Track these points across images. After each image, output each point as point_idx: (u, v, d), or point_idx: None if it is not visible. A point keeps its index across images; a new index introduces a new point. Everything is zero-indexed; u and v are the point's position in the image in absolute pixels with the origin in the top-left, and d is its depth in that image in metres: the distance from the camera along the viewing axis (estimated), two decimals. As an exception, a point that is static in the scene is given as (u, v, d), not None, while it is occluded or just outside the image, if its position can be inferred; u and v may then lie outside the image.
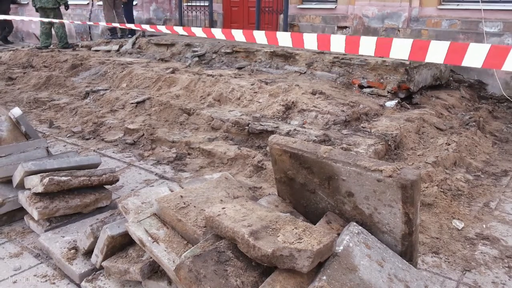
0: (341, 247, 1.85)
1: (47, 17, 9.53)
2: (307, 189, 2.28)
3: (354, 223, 2.05)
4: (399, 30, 7.55)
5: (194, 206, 2.17)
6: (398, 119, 4.68)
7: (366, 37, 3.06)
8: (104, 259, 2.29)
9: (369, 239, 1.99)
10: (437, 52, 2.69)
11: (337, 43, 3.19)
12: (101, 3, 11.97)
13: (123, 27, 9.30)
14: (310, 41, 3.36)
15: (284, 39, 3.54)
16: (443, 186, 3.49)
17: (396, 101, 5.26)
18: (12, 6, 14.03)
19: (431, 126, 4.77)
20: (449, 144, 4.22)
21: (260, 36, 3.75)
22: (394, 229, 2.04)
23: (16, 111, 3.67)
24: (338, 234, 2.02)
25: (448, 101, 5.74)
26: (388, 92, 5.40)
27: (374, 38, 3.02)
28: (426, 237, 2.89)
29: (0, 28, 14.25)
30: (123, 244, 2.32)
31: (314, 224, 2.09)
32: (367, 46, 3.01)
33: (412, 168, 1.97)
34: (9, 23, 14.34)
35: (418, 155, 4.07)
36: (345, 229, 2.00)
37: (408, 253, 2.08)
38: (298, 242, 1.72)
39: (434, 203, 3.25)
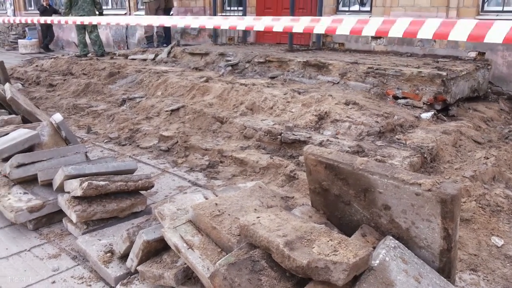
0: (377, 261, 1.82)
1: (84, 26, 9.90)
2: (342, 200, 2.26)
3: (391, 237, 2.01)
4: (435, 41, 7.41)
5: (229, 214, 2.19)
6: (434, 131, 4.57)
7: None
8: (139, 264, 2.33)
9: (405, 254, 1.95)
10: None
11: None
12: (138, 13, 12.33)
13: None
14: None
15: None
16: (482, 202, 3.38)
17: (432, 112, 5.15)
18: (54, 15, 14.64)
19: (469, 139, 4.64)
20: (487, 158, 4.09)
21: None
22: (432, 244, 1.99)
23: (57, 117, 3.81)
24: (374, 248, 1.98)
25: (486, 114, 5.58)
26: (424, 103, 5.29)
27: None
28: (463, 253, 2.80)
29: (43, 37, 14.89)
30: (157, 249, 2.36)
31: (348, 237, 2.06)
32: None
33: (451, 182, 1.93)
34: (50, 32, 14.98)
35: (455, 169, 3.96)
36: (381, 243, 1.97)
37: (446, 270, 2.02)
38: (333, 254, 1.70)
39: (472, 219, 3.15)
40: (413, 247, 2.05)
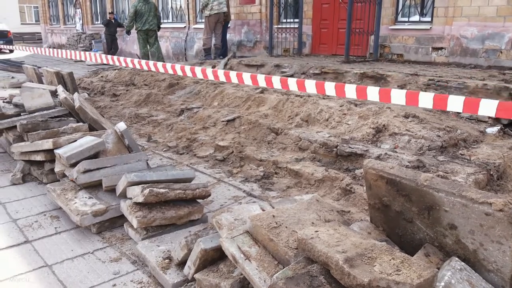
0: (442, 283, 1.73)
1: (147, 39, 10.36)
2: (404, 217, 2.18)
3: (456, 258, 1.91)
4: (501, 52, 7.04)
5: (286, 227, 2.18)
6: (501, 147, 4.32)
7: (453, 96, 2.96)
8: (196, 272, 2.37)
9: (473, 277, 1.85)
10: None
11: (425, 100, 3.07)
12: (197, 26, 12.71)
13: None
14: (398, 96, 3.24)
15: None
16: (556, 224, 3.14)
17: (498, 127, 4.88)
18: (118, 29, 15.44)
19: (540, 157, 4.34)
20: (562, 178, 3.81)
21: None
22: (502, 268, 1.87)
23: (121, 126, 3.99)
24: (438, 269, 1.89)
25: (560, 130, 5.20)
26: (489, 117, 5.03)
27: (462, 98, 2.91)
28: (535, 279, 2.60)
29: (107, 49, 15.72)
30: (214, 258, 2.39)
31: (410, 256, 1.98)
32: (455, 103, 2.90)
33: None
34: (115, 44, 15.80)
35: (525, 188, 3.72)
36: (446, 264, 1.88)
37: (517, 296, 1.89)
38: (396, 274, 1.64)
39: (545, 243, 2.93)
40: (481, 270, 1.94)
